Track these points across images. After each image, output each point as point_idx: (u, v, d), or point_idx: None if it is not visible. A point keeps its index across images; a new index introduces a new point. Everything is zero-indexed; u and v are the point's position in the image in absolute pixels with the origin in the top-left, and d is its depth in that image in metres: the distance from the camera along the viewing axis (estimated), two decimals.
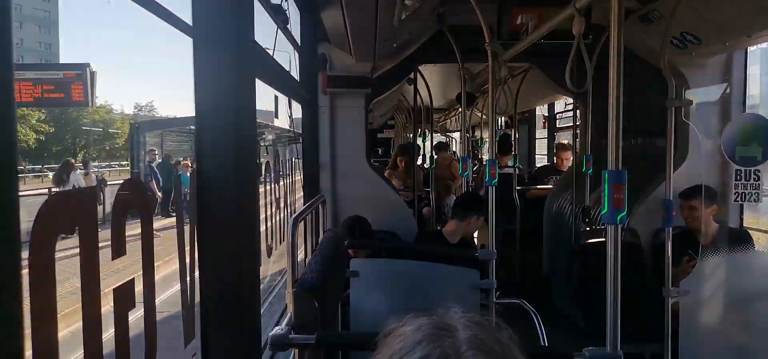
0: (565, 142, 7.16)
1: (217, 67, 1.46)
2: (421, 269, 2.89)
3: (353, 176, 4.28)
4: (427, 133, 7.78)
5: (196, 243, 1.46)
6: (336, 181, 4.27)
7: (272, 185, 3.32)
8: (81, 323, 0.98)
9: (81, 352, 0.99)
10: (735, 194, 3.02)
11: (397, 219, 4.31)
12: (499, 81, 3.82)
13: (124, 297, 1.13)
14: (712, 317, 2.55)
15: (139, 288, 1.19)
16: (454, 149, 13.96)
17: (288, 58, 3.85)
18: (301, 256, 3.18)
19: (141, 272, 1.22)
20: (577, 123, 5.46)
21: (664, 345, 2.81)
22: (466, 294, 2.75)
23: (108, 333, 1.06)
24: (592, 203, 4.40)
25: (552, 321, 3.48)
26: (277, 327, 1.83)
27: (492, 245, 3.15)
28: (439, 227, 4.19)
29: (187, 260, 1.46)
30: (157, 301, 1.29)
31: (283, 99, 3.95)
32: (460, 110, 5.98)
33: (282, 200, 3.51)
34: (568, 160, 6.22)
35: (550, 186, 6.06)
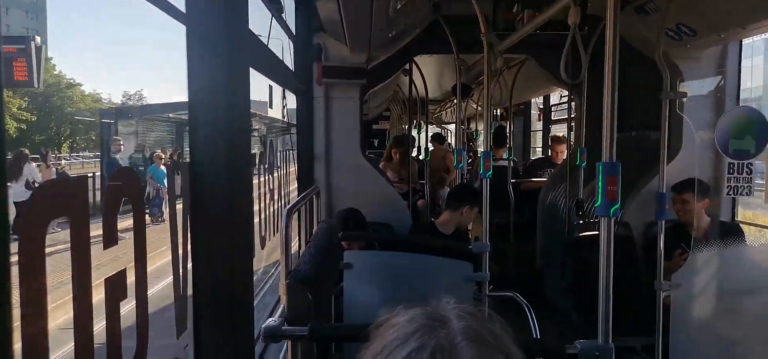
0: (560, 134, 7.16)
1: (211, 56, 1.45)
2: (415, 261, 2.89)
3: (348, 168, 4.27)
4: (422, 124, 7.77)
5: (189, 235, 1.45)
6: (330, 172, 4.26)
7: (266, 176, 3.31)
8: (72, 314, 0.97)
9: (71, 344, 0.98)
10: (727, 187, 3.04)
11: (391, 211, 4.31)
12: (494, 72, 3.82)
13: (115, 287, 1.12)
14: (704, 310, 2.57)
15: (130, 279, 1.19)
16: (449, 141, 13.95)
17: (283, 48, 3.83)
18: (294, 248, 3.17)
19: (132, 262, 1.21)
20: (572, 115, 5.46)
21: (656, 338, 2.83)
22: (460, 287, 2.76)
23: (99, 325, 1.05)
24: (586, 196, 4.42)
25: (545, 314, 3.49)
26: (270, 319, 1.83)
27: (485, 238, 3.15)
28: (433, 219, 4.19)
29: (180, 251, 1.45)
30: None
31: (277, 89, 3.93)
32: (455, 101, 5.97)
33: (276, 192, 3.50)
34: (563, 152, 6.22)
35: (545, 179, 6.07)
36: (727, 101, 3.93)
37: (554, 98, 8.65)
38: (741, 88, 4.01)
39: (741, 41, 3.85)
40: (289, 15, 3.80)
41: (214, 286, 1.44)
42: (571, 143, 5.36)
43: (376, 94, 7.16)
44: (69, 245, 0.97)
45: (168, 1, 1.45)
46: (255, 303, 1.83)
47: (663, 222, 2.85)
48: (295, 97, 4.03)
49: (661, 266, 2.82)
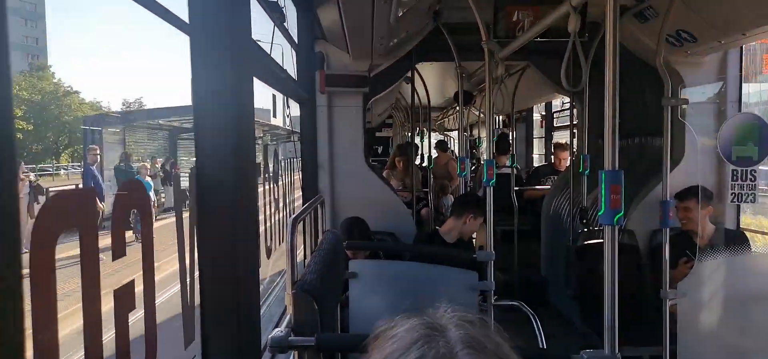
0: (563, 141, 7.17)
1: (215, 65, 1.45)
2: (420, 270, 2.89)
3: (352, 177, 4.28)
4: (425, 132, 7.78)
5: (195, 244, 1.45)
6: (334, 181, 4.26)
7: (270, 185, 3.31)
8: (81, 324, 0.97)
9: (81, 354, 0.98)
10: (731, 194, 3.03)
11: (395, 220, 4.31)
12: (495, 79, 3.82)
13: (124, 298, 1.12)
14: (711, 319, 2.55)
15: (139, 288, 1.19)
16: (452, 148, 13.96)
17: (286, 57, 3.84)
18: (299, 257, 3.17)
19: (140, 272, 1.21)
20: (574, 122, 5.46)
21: (663, 347, 2.81)
22: (464, 296, 2.75)
23: (108, 335, 1.06)
24: (590, 204, 4.41)
25: (550, 323, 3.48)
26: (276, 329, 1.83)
27: (490, 247, 3.15)
28: (436, 227, 4.19)
29: (187, 261, 1.45)
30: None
31: (279, 96, 3.94)
32: (457, 108, 5.98)
33: (281, 200, 3.50)
34: (566, 160, 6.22)
35: (548, 186, 6.06)
36: (728, 107, 3.93)
37: (556, 105, 8.67)
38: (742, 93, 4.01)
39: (742, 47, 3.85)
40: (291, 24, 3.82)
41: (221, 294, 1.44)
42: (574, 150, 5.36)
43: (379, 101, 7.18)
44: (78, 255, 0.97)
45: (171, 12, 1.46)
46: (261, 312, 1.82)
47: (668, 230, 2.84)
48: (298, 105, 4.04)
49: (666, 274, 2.81)
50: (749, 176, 3.00)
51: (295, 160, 4.09)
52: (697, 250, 3.03)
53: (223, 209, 1.45)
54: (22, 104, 34.30)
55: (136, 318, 1.16)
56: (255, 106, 1.69)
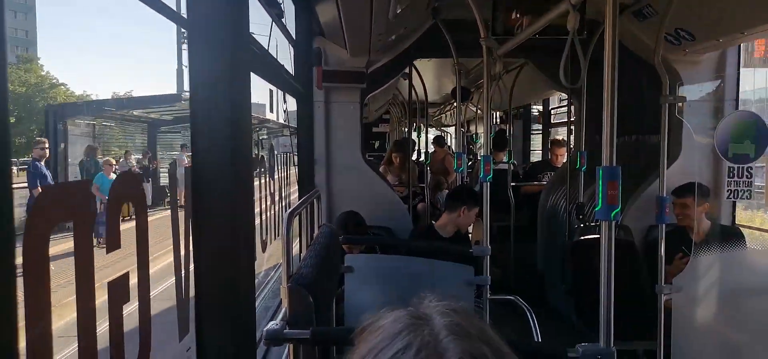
0: (560, 138, 7.18)
1: (213, 60, 1.45)
2: (416, 265, 2.90)
3: (348, 172, 4.28)
4: (422, 127, 7.78)
5: (191, 237, 1.46)
6: (331, 176, 4.26)
7: (266, 179, 3.31)
8: (75, 316, 0.97)
9: (75, 345, 0.98)
10: (728, 191, 3.04)
11: (391, 215, 4.31)
12: (493, 76, 3.82)
13: (118, 290, 1.12)
14: (705, 314, 2.57)
15: (133, 281, 1.19)
16: (448, 144, 13.97)
17: (283, 52, 3.84)
18: (295, 251, 3.17)
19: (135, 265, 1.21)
20: (572, 119, 5.47)
21: (657, 342, 2.83)
22: (460, 290, 2.76)
23: (102, 327, 1.06)
24: (587, 200, 4.42)
25: (546, 318, 3.49)
26: (271, 322, 1.83)
27: (486, 242, 3.15)
28: (432, 222, 4.20)
29: (182, 253, 1.45)
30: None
31: (276, 91, 3.94)
32: (455, 104, 5.99)
33: (276, 194, 3.50)
34: (563, 156, 6.23)
35: (545, 182, 6.08)
36: (726, 104, 3.94)
37: (553, 102, 8.67)
38: (740, 91, 4.02)
39: (739, 45, 3.86)
40: (289, 19, 3.81)
41: (216, 287, 1.44)
42: (571, 146, 5.37)
43: (376, 97, 7.17)
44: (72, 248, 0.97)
45: (170, 6, 1.46)
46: (256, 305, 1.83)
47: (664, 226, 2.85)
48: (295, 101, 4.03)
49: (662, 269, 2.82)
50: (745, 173, 3.01)
51: (289, 154, 4.09)
52: (693, 246, 3.05)
53: (219, 203, 1.45)
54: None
55: (130, 310, 1.16)
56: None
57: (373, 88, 4.71)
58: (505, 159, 6.44)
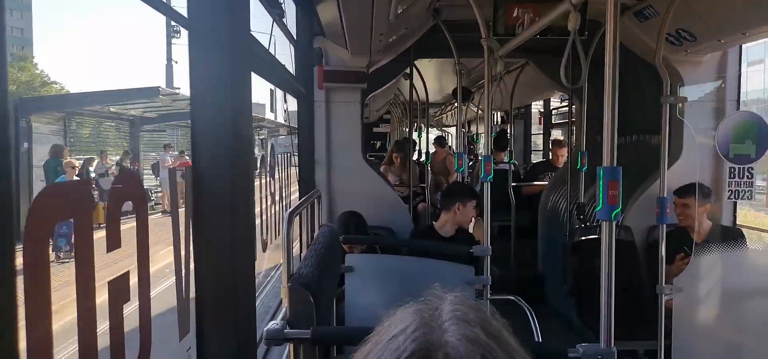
0: (561, 138, 7.17)
1: (214, 60, 1.45)
2: (416, 265, 2.89)
3: (349, 171, 4.28)
4: (422, 128, 7.78)
5: (191, 237, 1.46)
6: (331, 176, 4.26)
7: (267, 179, 3.31)
8: (75, 315, 0.97)
9: (75, 346, 0.98)
10: (729, 191, 3.04)
11: (392, 215, 4.31)
12: (494, 77, 3.82)
13: (118, 290, 1.12)
14: (706, 314, 2.57)
15: (133, 280, 1.19)
16: (450, 144, 13.98)
17: (284, 53, 3.84)
18: (296, 251, 3.17)
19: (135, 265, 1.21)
20: (573, 119, 5.46)
21: (658, 342, 2.83)
22: (461, 290, 2.75)
23: (102, 327, 1.06)
24: (587, 200, 4.42)
25: (546, 318, 3.49)
26: (272, 322, 1.83)
27: (487, 242, 3.15)
28: (432, 222, 4.20)
29: (182, 253, 1.45)
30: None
31: (277, 91, 3.94)
32: (456, 105, 5.99)
33: (277, 194, 3.50)
34: (564, 156, 6.23)
35: (545, 183, 6.08)
36: (727, 105, 3.94)
37: (554, 102, 8.67)
38: (741, 91, 4.01)
39: (741, 46, 3.86)
40: (290, 19, 3.81)
41: (216, 289, 1.44)
42: (572, 147, 5.37)
43: (377, 97, 7.17)
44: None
45: (171, 7, 1.46)
46: (256, 305, 1.83)
47: (664, 226, 2.85)
48: (296, 100, 4.04)
49: (662, 270, 2.82)
50: (746, 174, 3.01)
51: (289, 154, 4.09)
52: (694, 246, 3.05)
53: (220, 203, 1.46)
54: None
55: (131, 310, 1.16)
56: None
57: (373, 89, 4.70)
58: (505, 159, 6.43)
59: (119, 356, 1.14)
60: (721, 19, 3.16)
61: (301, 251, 3.21)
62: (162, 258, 1.66)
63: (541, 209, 5.52)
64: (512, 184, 5.98)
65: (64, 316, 1.15)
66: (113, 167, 14.23)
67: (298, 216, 3.06)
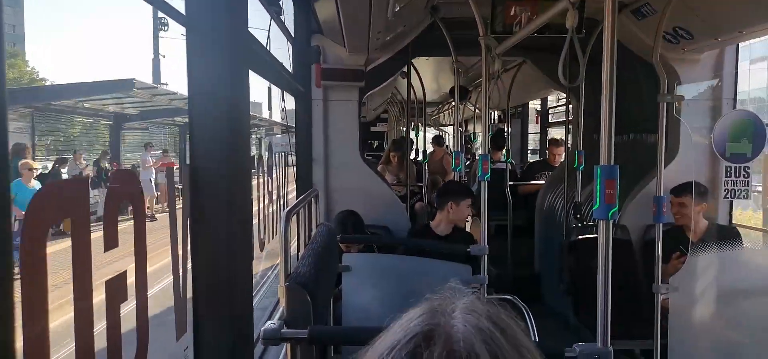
0: (558, 137, 7.18)
1: (212, 58, 1.45)
2: (413, 264, 2.89)
3: (346, 170, 4.27)
4: (420, 127, 7.78)
5: (188, 237, 1.45)
6: (329, 175, 4.26)
7: (264, 178, 3.31)
8: (72, 315, 0.97)
9: (72, 345, 0.98)
10: (725, 190, 3.05)
11: (389, 214, 4.31)
12: (492, 75, 3.82)
13: (116, 289, 1.12)
14: (702, 313, 2.58)
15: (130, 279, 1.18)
16: (447, 143, 13.99)
17: (282, 50, 3.83)
18: (293, 250, 3.17)
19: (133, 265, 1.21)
20: (570, 118, 5.47)
21: (654, 341, 2.83)
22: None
23: (99, 326, 1.05)
24: (584, 199, 4.43)
25: (543, 317, 3.50)
26: (269, 322, 1.83)
27: (484, 241, 3.15)
28: (428, 222, 4.20)
29: (179, 253, 1.45)
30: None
31: (274, 89, 3.93)
32: (453, 103, 5.99)
33: (275, 193, 3.50)
34: (560, 155, 6.24)
35: (542, 182, 6.09)
36: (724, 104, 3.95)
37: (551, 101, 8.68)
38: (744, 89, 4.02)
39: (738, 44, 3.87)
40: (288, 17, 3.80)
41: (213, 286, 1.44)
42: (569, 146, 5.38)
43: (374, 96, 7.18)
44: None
45: (169, 3, 1.45)
46: (253, 304, 1.82)
47: (661, 225, 2.85)
48: (294, 99, 4.03)
49: (659, 269, 2.83)
50: (743, 173, 3.02)
51: (283, 154, 4.09)
52: (690, 245, 3.05)
53: (217, 202, 1.45)
54: None
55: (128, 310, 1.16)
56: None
57: (371, 87, 4.70)
58: (502, 158, 6.44)
59: (116, 355, 1.13)
60: (718, 17, 3.17)
61: (298, 251, 3.20)
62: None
63: (537, 209, 5.52)
64: (509, 183, 5.99)
65: (60, 316, 1.14)
66: (88, 169, 13.43)
67: (295, 215, 3.05)
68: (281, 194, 3.73)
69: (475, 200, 3.79)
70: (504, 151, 6.56)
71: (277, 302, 2.39)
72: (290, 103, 4.08)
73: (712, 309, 2.55)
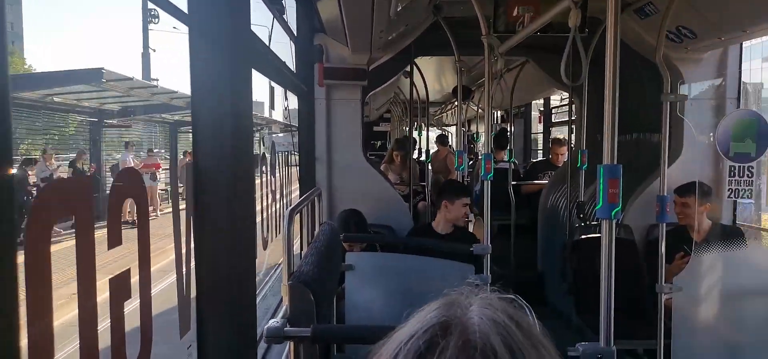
0: (561, 137, 7.17)
1: (214, 57, 1.45)
2: (416, 263, 2.89)
3: (349, 169, 4.28)
4: (423, 126, 7.78)
5: (192, 235, 1.45)
6: (332, 174, 4.26)
7: (268, 177, 3.31)
8: (77, 313, 0.97)
9: (77, 342, 0.98)
10: (728, 190, 3.04)
11: (392, 213, 4.31)
12: (495, 74, 3.82)
13: (119, 287, 1.12)
14: (705, 313, 2.57)
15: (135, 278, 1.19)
16: (451, 143, 13.97)
17: (285, 49, 3.83)
18: (296, 249, 3.18)
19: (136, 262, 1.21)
20: (573, 118, 5.47)
21: (658, 341, 2.83)
22: None
23: (103, 324, 1.06)
24: (587, 199, 4.42)
25: (546, 317, 3.49)
26: (272, 320, 1.83)
27: (487, 240, 3.15)
28: (430, 221, 4.20)
29: (183, 251, 1.45)
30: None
31: (276, 89, 3.94)
32: (456, 103, 5.99)
33: (278, 192, 3.50)
34: (563, 155, 6.23)
35: (545, 181, 6.08)
36: (727, 103, 3.94)
37: (554, 101, 8.66)
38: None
39: (741, 43, 3.85)
40: (291, 16, 3.80)
41: (217, 287, 1.44)
42: (572, 145, 5.37)
43: (377, 96, 7.17)
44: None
45: (171, 2, 1.45)
46: (257, 303, 1.83)
47: (664, 225, 2.85)
48: (297, 98, 4.03)
49: (662, 269, 2.82)
50: (746, 172, 3.00)
51: (285, 153, 4.09)
52: (694, 245, 3.04)
53: (220, 200, 1.45)
54: None
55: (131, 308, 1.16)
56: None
57: (374, 86, 4.70)
58: (505, 158, 6.44)
59: (120, 353, 1.13)
60: (721, 16, 3.16)
61: (301, 249, 3.21)
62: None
63: (540, 208, 5.52)
64: (512, 183, 5.98)
65: (64, 313, 1.14)
66: (60, 170, 12.16)
67: (298, 214, 3.06)
68: (284, 193, 3.74)
69: (468, 197, 3.79)
70: (507, 151, 6.55)
71: (281, 300, 2.39)
72: (293, 102, 4.08)
73: (716, 309, 2.54)
